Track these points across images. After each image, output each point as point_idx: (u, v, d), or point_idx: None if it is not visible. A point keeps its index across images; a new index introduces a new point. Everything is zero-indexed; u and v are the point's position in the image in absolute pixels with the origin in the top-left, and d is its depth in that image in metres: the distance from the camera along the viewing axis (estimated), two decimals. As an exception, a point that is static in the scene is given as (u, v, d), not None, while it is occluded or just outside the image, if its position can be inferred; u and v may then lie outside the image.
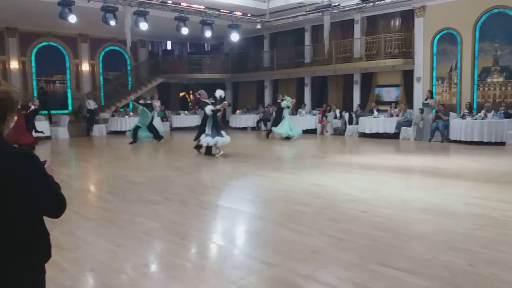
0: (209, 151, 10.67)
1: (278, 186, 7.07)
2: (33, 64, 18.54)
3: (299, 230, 4.62)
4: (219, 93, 10.68)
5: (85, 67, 19.82)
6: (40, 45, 18.59)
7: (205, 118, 10.64)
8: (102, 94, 20.26)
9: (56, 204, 1.64)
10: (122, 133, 17.45)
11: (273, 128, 14.94)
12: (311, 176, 7.83)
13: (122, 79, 21.10)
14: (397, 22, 16.19)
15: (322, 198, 6.10)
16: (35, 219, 1.61)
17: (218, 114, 11.07)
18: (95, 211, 5.70)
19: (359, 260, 3.76)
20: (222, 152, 10.52)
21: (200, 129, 10.95)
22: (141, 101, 14.93)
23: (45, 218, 1.67)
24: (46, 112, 17.19)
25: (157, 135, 14.52)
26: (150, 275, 3.55)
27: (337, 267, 3.63)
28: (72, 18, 12.91)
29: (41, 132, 14.93)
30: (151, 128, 14.40)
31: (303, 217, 5.17)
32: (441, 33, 14.50)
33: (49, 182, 1.62)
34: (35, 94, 18.31)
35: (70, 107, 19.62)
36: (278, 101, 15.15)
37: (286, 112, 14.79)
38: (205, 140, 10.41)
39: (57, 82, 19.54)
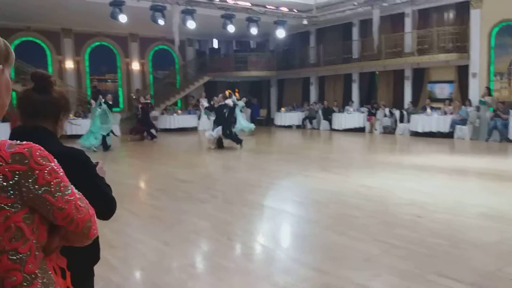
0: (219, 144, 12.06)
1: (325, 187, 6.87)
2: (87, 63, 19.32)
3: (351, 235, 4.42)
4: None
5: (135, 66, 20.39)
6: (93, 45, 19.33)
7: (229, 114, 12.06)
8: (151, 92, 20.79)
9: (105, 205, 1.60)
10: (171, 130, 17.88)
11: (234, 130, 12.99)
12: (360, 177, 7.56)
13: (171, 78, 21.54)
14: (451, 15, 15.33)
15: (373, 201, 5.85)
16: None
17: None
18: (145, 208, 5.78)
19: (416, 269, 3.53)
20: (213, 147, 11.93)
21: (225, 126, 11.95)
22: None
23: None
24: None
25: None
26: (197, 276, 3.51)
27: (392, 276, 3.43)
28: (123, 18, 13.29)
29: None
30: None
31: (354, 221, 4.96)
32: (499, 26, 13.56)
33: (98, 183, 1.59)
34: (89, 93, 19.08)
35: (121, 105, 20.28)
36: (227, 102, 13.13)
37: (238, 110, 14.27)
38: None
39: (108, 80, 20.28)
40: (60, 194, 1.09)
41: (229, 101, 12.12)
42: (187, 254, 3.94)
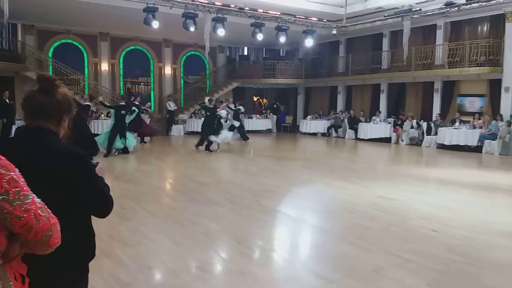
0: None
1: (343, 196, 6.81)
2: (121, 66, 19.93)
3: (363, 247, 4.38)
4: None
5: (168, 70, 20.88)
6: (128, 49, 19.94)
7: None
8: (182, 96, 21.22)
9: (102, 204, 1.67)
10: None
11: (220, 137, 12.73)
12: (380, 188, 7.45)
13: (201, 83, 21.93)
14: (485, 28, 14.93)
15: (390, 213, 5.76)
16: (81, 217, 1.66)
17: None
18: (162, 208, 5.91)
19: (427, 286, 3.46)
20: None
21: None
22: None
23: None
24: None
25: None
26: (203, 278, 3.56)
27: (400, 290, 3.38)
28: (155, 24, 13.63)
29: None
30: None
31: (368, 232, 4.91)
32: (536, 39, 13.12)
33: (97, 183, 1.65)
34: (122, 94, 19.66)
35: (152, 108, 20.77)
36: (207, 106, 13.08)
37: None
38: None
39: (141, 83, 20.86)
40: (19, 203, 1.11)
41: (223, 112, 13.03)
42: (195, 256, 4.01)
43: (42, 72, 1.57)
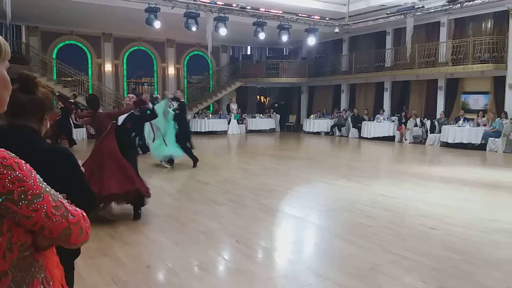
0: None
1: (344, 195, 6.84)
2: (125, 67, 20.06)
3: (360, 244, 4.40)
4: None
5: (171, 70, 20.98)
6: (131, 50, 20.06)
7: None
8: (185, 96, 21.31)
9: (89, 202, 1.70)
10: (202, 133, 18.24)
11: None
12: (381, 187, 7.46)
13: (204, 83, 22.00)
14: (489, 24, 14.85)
15: (389, 211, 5.78)
16: None
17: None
18: (162, 207, 5.96)
19: (421, 282, 3.49)
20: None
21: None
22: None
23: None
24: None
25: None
26: (201, 276, 3.60)
27: (393, 287, 3.41)
28: (157, 24, 13.71)
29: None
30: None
31: (366, 230, 4.93)
32: (541, 36, 13.04)
33: (84, 180, 1.69)
34: (125, 95, 19.77)
35: (155, 108, 20.90)
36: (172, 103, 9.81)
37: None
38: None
39: (145, 84, 20.99)
40: (26, 202, 1.09)
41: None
42: (194, 255, 4.05)
43: (21, 71, 1.55)
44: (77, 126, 15.99)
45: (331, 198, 6.73)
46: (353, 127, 17.80)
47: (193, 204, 6.10)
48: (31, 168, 1.16)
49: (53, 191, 1.19)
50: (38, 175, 1.17)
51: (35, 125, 1.61)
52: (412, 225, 5.13)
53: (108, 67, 19.38)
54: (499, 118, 13.29)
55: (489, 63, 13.85)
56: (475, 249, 4.31)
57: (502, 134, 12.78)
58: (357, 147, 15.00)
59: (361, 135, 17.20)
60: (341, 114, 18.94)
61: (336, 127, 18.67)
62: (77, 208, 1.24)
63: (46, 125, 1.67)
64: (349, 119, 18.13)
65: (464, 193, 7.11)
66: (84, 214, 1.26)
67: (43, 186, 1.16)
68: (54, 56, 18.05)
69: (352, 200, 6.41)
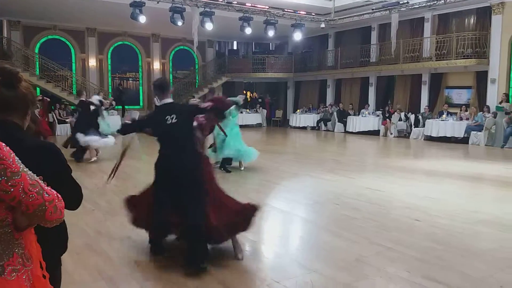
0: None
1: (330, 188, 6.91)
2: (109, 62, 19.83)
3: (346, 237, 4.47)
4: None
5: (156, 65, 20.81)
6: (116, 44, 19.83)
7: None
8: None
9: (76, 193, 1.69)
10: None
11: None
12: (367, 180, 7.56)
13: (190, 78, 21.88)
14: (472, 20, 15.11)
15: (374, 204, 5.87)
16: None
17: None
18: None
19: (406, 272, 3.56)
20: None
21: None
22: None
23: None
24: (120, 107, 18.26)
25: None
26: (188, 270, 3.60)
27: (380, 278, 3.47)
28: (142, 19, 13.60)
29: None
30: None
31: (352, 223, 5.01)
32: (521, 31, 13.31)
33: (70, 174, 1.68)
34: (110, 90, 19.58)
35: (141, 103, 20.73)
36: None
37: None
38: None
39: (130, 79, 20.79)
40: (5, 178, 1.24)
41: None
42: (180, 250, 4.05)
43: (3, 65, 1.50)
44: (60, 121, 15.81)
45: (318, 191, 6.80)
46: (338, 121, 17.96)
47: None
48: (10, 150, 1.28)
49: (30, 172, 1.32)
50: (16, 157, 1.29)
51: (18, 120, 1.59)
52: (397, 217, 5.22)
53: (92, 62, 19.14)
54: (481, 112, 13.57)
55: (471, 58, 14.10)
56: (457, 239, 4.41)
57: (484, 127, 13.05)
58: (343, 142, 15.14)
59: (347, 130, 17.38)
60: (327, 109, 19.08)
61: (322, 121, 18.80)
62: (52, 189, 1.36)
63: (28, 119, 1.65)
64: (335, 113, 18.28)
65: (447, 185, 7.25)
66: (59, 195, 1.37)
67: (21, 166, 1.29)
68: (36, 51, 17.75)
69: (338, 193, 6.49)
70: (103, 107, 9.79)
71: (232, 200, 3.99)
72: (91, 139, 9.20)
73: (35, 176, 1.32)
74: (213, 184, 3.90)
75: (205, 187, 3.70)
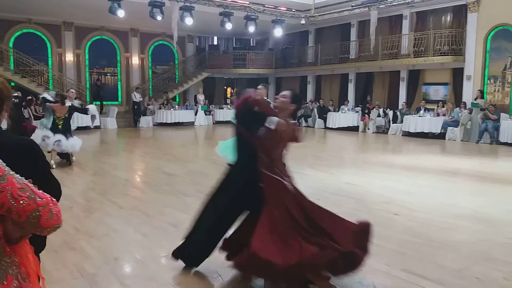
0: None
1: (310, 183, 6.94)
2: (87, 56, 19.43)
3: (326, 231, 4.51)
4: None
5: (135, 60, 20.49)
6: (93, 39, 19.42)
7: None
8: (150, 87, 20.91)
9: (56, 189, 1.66)
10: (167, 125, 18.02)
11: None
12: (347, 175, 7.65)
13: (170, 73, 21.66)
14: (448, 18, 15.42)
15: (354, 199, 5.95)
16: None
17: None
18: (129, 200, 5.87)
19: (385, 265, 3.62)
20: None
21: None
22: None
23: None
24: (98, 103, 17.97)
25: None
26: (172, 267, 3.57)
27: (360, 271, 3.51)
28: (121, 13, 13.37)
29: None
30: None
31: (332, 217, 5.05)
32: (496, 30, 13.63)
33: (49, 169, 1.66)
34: (87, 86, 19.21)
35: (119, 99, 20.42)
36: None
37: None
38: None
39: (108, 74, 20.40)
40: None
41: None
42: (163, 246, 4.03)
43: None
44: (37, 118, 15.43)
45: (298, 187, 6.81)
46: (319, 117, 18.10)
47: (161, 196, 6.04)
48: None
49: (17, 175, 1.18)
50: (0, 160, 1.16)
51: None
52: (376, 211, 5.29)
53: (69, 56, 18.72)
54: (457, 108, 13.88)
55: (448, 55, 14.39)
56: (435, 232, 4.51)
57: (460, 123, 13.36)
58: (323, 137, 15.27)
59: (327, 126, 17.53)
60: (307, 105, 19.19)
61: (303, 117, 18.89)
62: (45, 193, 1.22)
63: (4, 116, 1.58)
64: (315, 110, 18.40)
65: (424, 180, 7.40)
66: (53, 198, 1.24)
67: (6, 169, 1.15)
68: (11, 45, 17.24)
69: (319, 188, 6.53)
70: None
71: None
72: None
73: (24, 179, 1.19)
74: None
75: None
